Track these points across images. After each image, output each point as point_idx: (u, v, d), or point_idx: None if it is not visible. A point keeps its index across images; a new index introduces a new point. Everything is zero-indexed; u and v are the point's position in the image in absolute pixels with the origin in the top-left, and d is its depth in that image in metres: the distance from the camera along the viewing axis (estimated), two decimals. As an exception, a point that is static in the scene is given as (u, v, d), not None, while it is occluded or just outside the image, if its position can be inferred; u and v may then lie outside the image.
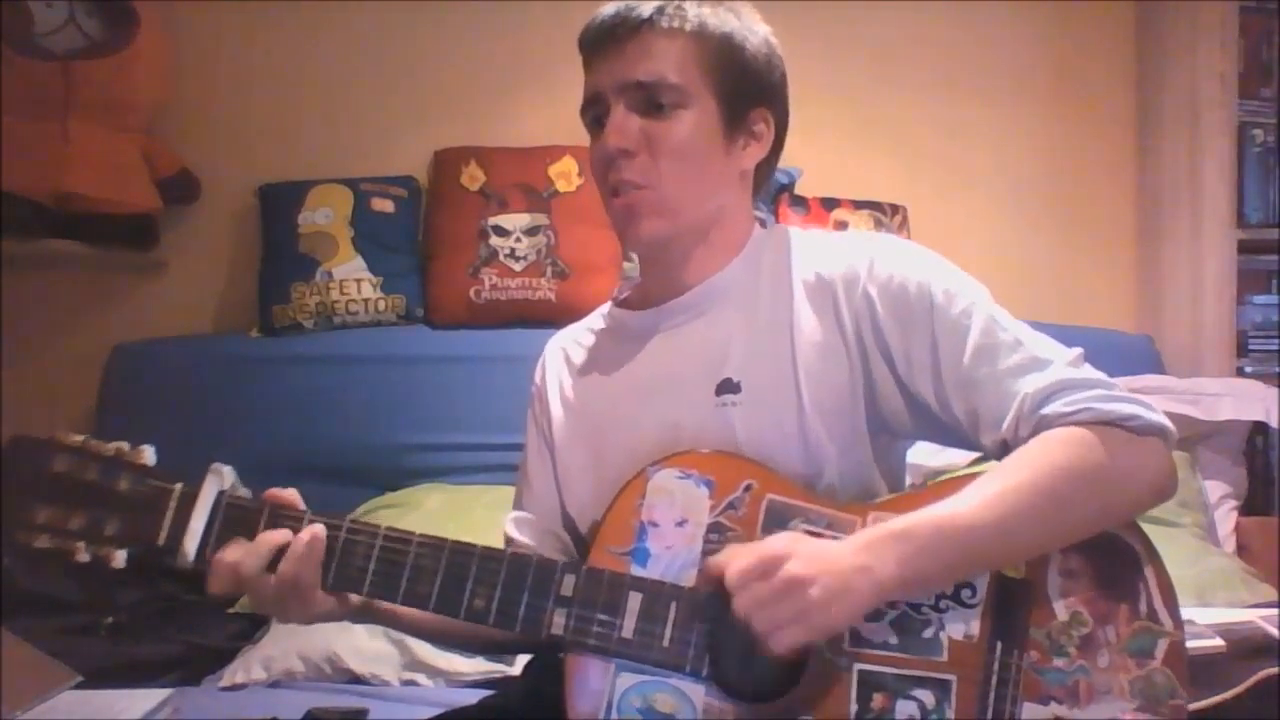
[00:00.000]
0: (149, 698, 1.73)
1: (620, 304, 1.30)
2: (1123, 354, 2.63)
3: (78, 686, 1.73)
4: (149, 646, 2.02)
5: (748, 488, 1.06)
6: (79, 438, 1.06)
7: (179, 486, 1.05)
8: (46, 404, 2.59)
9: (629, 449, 1.12)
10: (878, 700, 1.01)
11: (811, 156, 2.62)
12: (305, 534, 1.04)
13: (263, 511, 1.06)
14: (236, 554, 1.03)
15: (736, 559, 0.98)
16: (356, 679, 1.88)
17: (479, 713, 1.30)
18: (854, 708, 1.00)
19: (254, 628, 2.06)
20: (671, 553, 1.05)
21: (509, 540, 1.29)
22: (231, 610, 2.12)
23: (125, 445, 1.06)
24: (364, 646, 1.89)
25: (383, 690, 1.85)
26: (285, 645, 1.91)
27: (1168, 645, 1.02)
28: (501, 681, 1.82)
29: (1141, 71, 2.90)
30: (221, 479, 1.07)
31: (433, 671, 1.89)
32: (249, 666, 1.89)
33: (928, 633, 1.02)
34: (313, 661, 1.88)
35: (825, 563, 0.96)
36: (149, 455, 1.06)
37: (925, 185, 2.85)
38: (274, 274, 2.61)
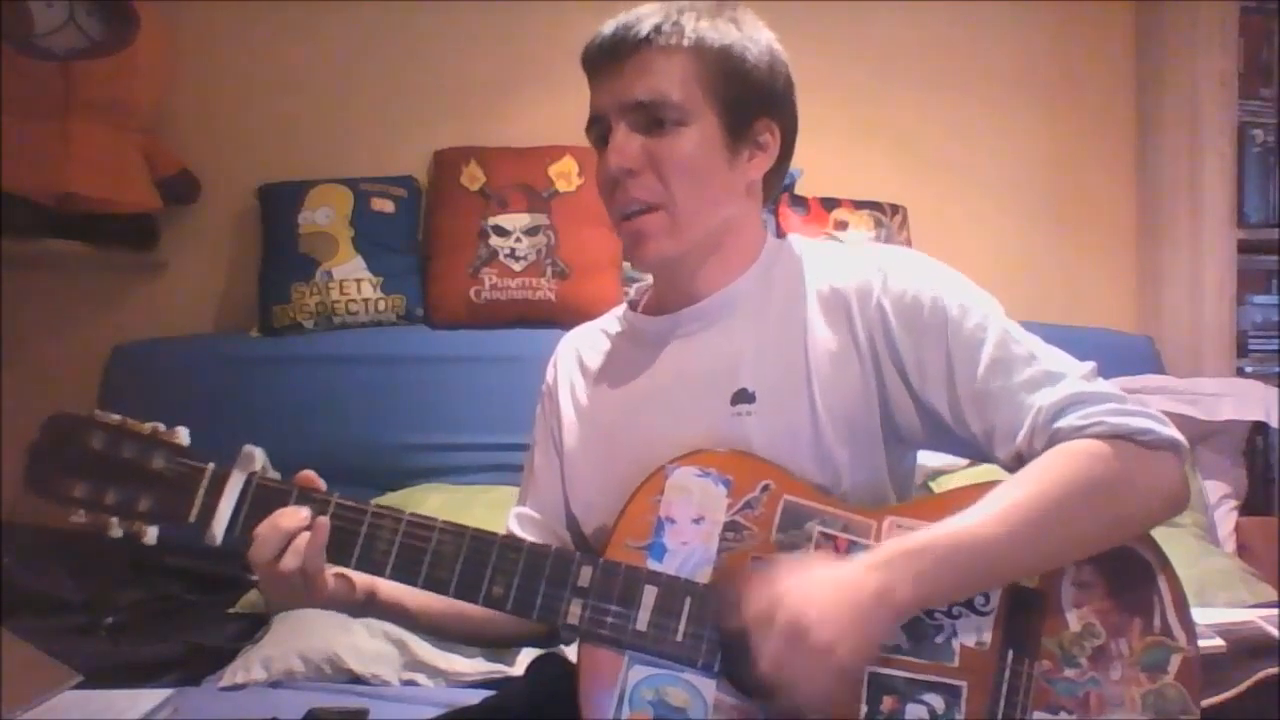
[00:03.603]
0: (149, 698, 1.73)
1: (634, 307, 1.30)
2: (1123, 354, 2.63)
3: (78, 686, 1.73)
4: (149, 646, 2.01)
5: (765, 488, 1.07)
6: (116, 417, 1.09)
7: (211, 467, 1.08)
8: (46, 404, 2.57)
9: (642, 456, 1.12)
10: (888, 703, 1.01)
11: (811, 156, 2.58)
12: (307, 528, 1.06)
13: (291, 494, 1.08)
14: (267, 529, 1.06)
15: (761, 640, 0.95)
16: (356, 679, 1.87)
17: (480, 713, 1.30)
18: (864, 709, 1.01)
19: (254, 628, 2.06)
20: (688, 549, 1.06)
21: (510, 536, 1.29)
22: (231, 610, 2.12)
23: (161, 425, 1.10)
24: (364, 646, 1.89)
25: (383, 690, 1.85)
26: (285, 645, 1.91)
27: (1181, 660, 1.02)
28: (502, 682, 1.82)
29: (1141, 71, 2.90)
30: (253, 461, 1.09)
31: (433, 671, 1.89)
32: (249, 666, 1.88)
33: (940, 638, 1.02)
34: (313, 661, 1.88)
35: (844, 608, 0.94)
36: (183, 436, 1.10)
37: (925, 185, 2.85)
38: (274, 274, 2.61)
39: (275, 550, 1.05)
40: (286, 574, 1.05)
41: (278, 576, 1.05)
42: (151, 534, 1.07)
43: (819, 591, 0.95)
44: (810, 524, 1.05)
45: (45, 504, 1.07)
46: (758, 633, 0.96)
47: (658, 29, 1.13)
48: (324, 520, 1.06)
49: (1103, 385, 1.07)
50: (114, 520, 1.06)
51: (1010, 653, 1.02)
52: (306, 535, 1.05)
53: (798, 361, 1.13)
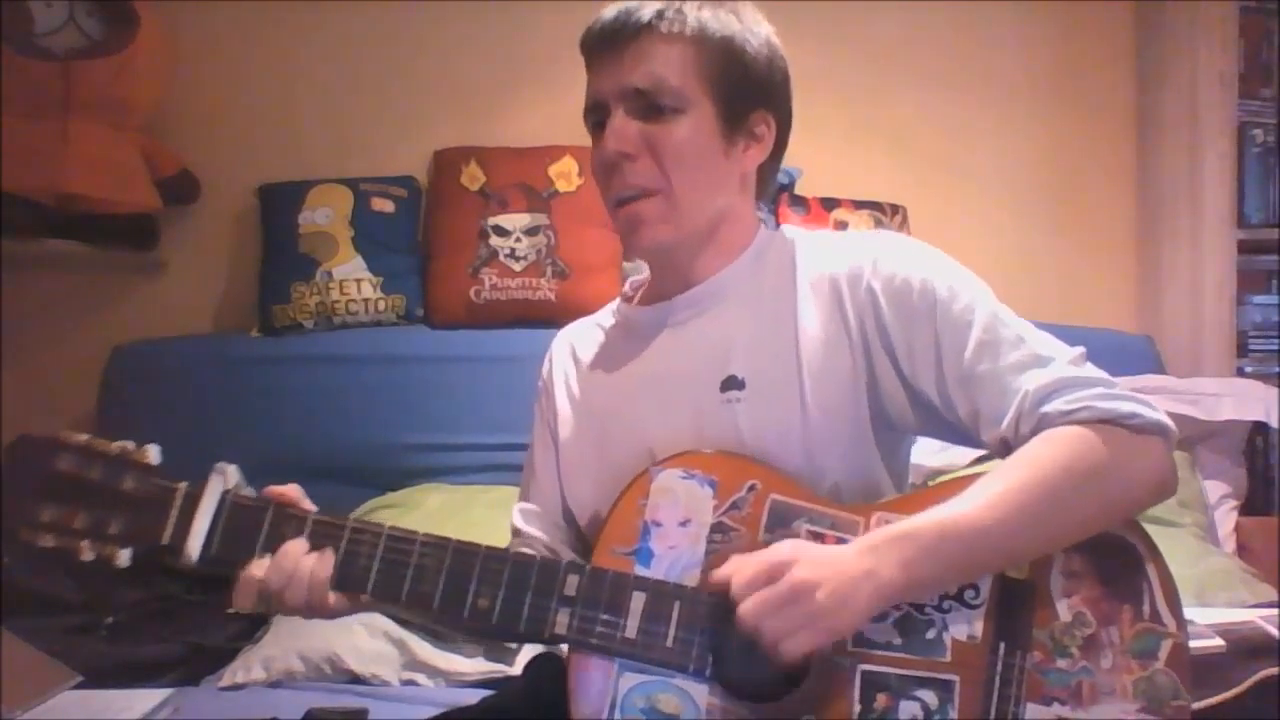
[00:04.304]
0: (149, 698, 1.74)
1: (629, 300, 1.31)
2: (1123, 354, 2.62)
3: (78, 686, 1.73)
4: (149, 646, 2.02)
5: (751, 488, 1.07)
6: (83, 436, 1.06)
7: (183, 486, 1.06)
8: (46, 405, 2.58)
9: (633, 444, 1.13)
10: (881, 700, 1.01)
11: (811, 156, 2.61)
12: (307, 563, 1.05)
13: (267, 511, 1.06)
14: (260, 572, 1.04)
15: (741, 568, 0.98)
16: (356, 679, 1.88)
17: (479, 713, 1.30)
18: (857, 708, 1.01)
19: (254, 628, 2.06)
20: (675, 553, 1.06)
21: (516, 531, 1.30)
22: (231, 610, 2.12)
23: (130, 444, 1.06)
24: (364, 646, 1.89)
25: (383, 690, 1.85)
26: (285, 645, 1.91)
27: (1171, 647, 1.02)
28: (501, 681, 1.82)
29: (1141, 71, 2.90)
30: (226, 478, 1.07)
31: (433, 671, 1.89)
32: (249, 666, 1.89)
33: (931, 633, 1.02)
34: (313, 661, 1.88)
35: (831, 567, 0.96)
36: (154, 454, 1.07)
37: (925, 185, 2.85)
38: (274, 274, 2.61)
39: (281, 587, 1.04)
40: (295, 608, 1.05)
41: (285, 608, 1.05)
42: (124, 556, 1.04)
43: (819, 559, 0.97)
44: (798, 523, 1.05)
45: (13, 528, 1.04)
46: (753, 586, 0.96)
47: (660, 15, 1.14)
48: (329, 554, 1.05)
49: (1091, 370, 1.08)
50: (84, 544, 1.03)
51: (1002, 645, 1.02)
52: (309, 572, 1.04)
53: (788, 348, 1.14)
